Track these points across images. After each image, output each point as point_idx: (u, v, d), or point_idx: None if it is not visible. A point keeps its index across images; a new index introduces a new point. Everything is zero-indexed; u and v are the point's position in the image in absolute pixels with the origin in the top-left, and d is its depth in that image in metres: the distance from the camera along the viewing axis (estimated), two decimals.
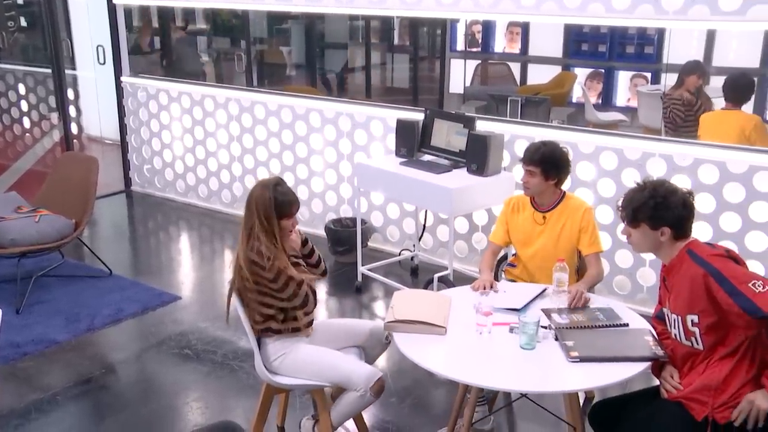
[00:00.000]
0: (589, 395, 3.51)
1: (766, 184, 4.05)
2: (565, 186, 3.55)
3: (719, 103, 4.91)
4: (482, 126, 4.64)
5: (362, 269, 4.92)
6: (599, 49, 7.44)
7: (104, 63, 7.09)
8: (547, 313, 2.93)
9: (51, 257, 5.09)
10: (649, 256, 4.37)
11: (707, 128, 4.93)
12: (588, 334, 2.78)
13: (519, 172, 3.44)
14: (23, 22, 8.13)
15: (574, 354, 2.60)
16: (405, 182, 4.48)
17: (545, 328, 2.80)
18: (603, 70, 7.41)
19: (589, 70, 7.49)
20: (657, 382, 2.64)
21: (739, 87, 4.81)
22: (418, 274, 5.16)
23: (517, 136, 4.76)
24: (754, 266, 4.05)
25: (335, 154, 5.67)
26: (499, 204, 3.63)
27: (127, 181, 7.13)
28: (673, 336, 2.60)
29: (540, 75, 7.61)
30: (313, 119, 5.72)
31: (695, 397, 2.45)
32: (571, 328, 2.80)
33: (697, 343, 2.49)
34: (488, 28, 7.98)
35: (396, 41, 8.94)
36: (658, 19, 4.19)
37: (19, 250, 4.56)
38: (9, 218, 4.72)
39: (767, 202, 4.06)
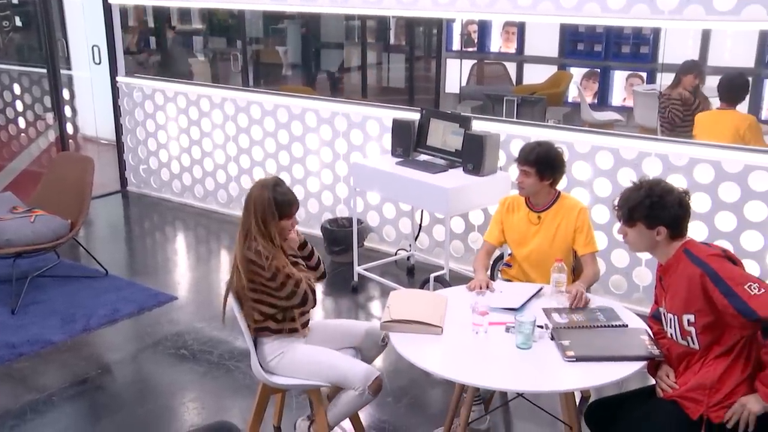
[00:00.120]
0: (585, 394, 3.52)
1: (761, 184, 4.06)
2: (561, 185, 3.56)
3: (716, 102, 4.93)
4: (478, 126, 4.65)
5: (358, 269, 4.92)
6: (595, 48, 7.47)
7: (100, 63, 7.08)
8: (547, 312, 2.94)
9: (46, 257, 5.07)
10: (645, 256, 4.38)
11: (702, 128, 4.94)
12: (584, 334, 2.78)
13: (515, 171, 3.44)
14: (18, 22, 8.11)
15: (570, 353, 2.61)
16: (401, 182, 4.49)
17: (541, 327, 2.80)
18: (599, 70, 7.44)
19: (584, 70, 7.52)
20: (653, 381, 2.64)
21: (734, 87, 4.83)
22: (414, 274, 5.16)
23: (513, 136, 4.77)
24: (750, 265, 4.06)
25: (331, 153, 5.67)
26: (495, 204, 3.63)
27: (123, 181, 7.12)
28: (669, 335, 2.60)
29: (536, 75, 7.63)
30: (309, 119, 5.72)
31: (690, 396, 2.46)
32: (570, 327, 2.81)
33: (693, 343, 2.49)
34: (484, 27, 8.00)
35: (392, 41, 8.95)
36: (654, 18, 4.20)
37: (14, 250, 4.55)
38: (4, 218, 4.71)
39: (762, 202, 4.07)
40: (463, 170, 4.44)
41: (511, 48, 7.92)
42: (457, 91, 7.80)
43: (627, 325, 2.85)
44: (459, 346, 2.76)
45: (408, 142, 4.74)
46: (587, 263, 3.35)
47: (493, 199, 3.91)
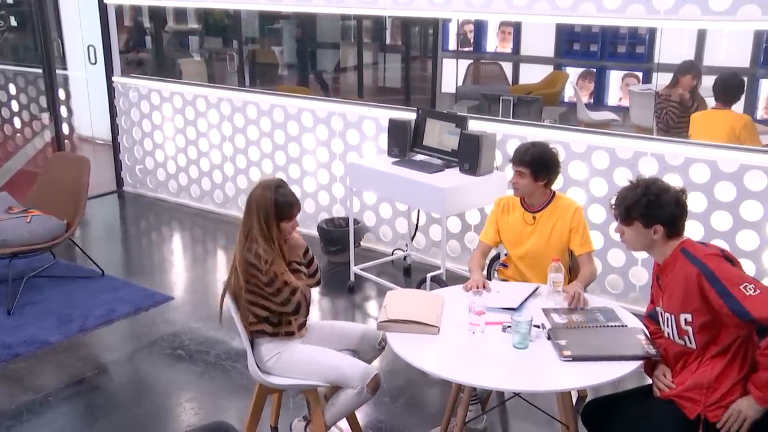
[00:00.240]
0: (581, 394, 3.53)
1: (757, 183, 4.07)
2: (557, 185, 3.56)
3: (712, 102, 4.94)
4: (474, 125, 4.65)
5: (355, 269, 4.92)
6: (591, 48, 7.47)
7: (95, 63, 7.07)
8: (547, 313, 2.94)
9: (42, 258, 5.06)
10: (641, 255, 4.39)
11: (698, 128, 4.95)
12: (581, 334, 2.78)
13: (511, 171, 3.45)
14: (13, 22, 8.08)
15: (567, 353, 2.61)
16: (397, 182, 4.49)
17: (538, 327, 2.81)
18: (595, 70, 7.44)
19: (580, 70, 7.53)
20: (649, 380, 2.65)
21: (729, 87, 4.84)
22: (410, 274, 5.17)
23: (509, 136, 4.77)
24: (745, 265, 4.07)
25: (327, 153, 5.67)
26: (492, 203, 3.64)
27: (119, 181, 7.11)
28: (666, 335, 2.61)
29: (532, 74, 7.64)
30: (306, 119, 5.72)
31: (687, 396, 2.46)
32: (568, 327, 2.81)
33: (690, 342, 2.50)
34: (480, 27, 8.00)
35: (388, 41, 8.95)
36: (650, 18, 4.20)
37: (10, 250, 4.54)
38: (0, 219, 4.70)
39: (758, 201, 4.09)
40: (460, 170, 4.44)
41: (507, 48, 7.92)
42: (454, 91, 7.81)
43: (626, 326, 2.86)
44: (456, 346, 2.76)
45: (404, 142, 4.74)
46: (584, 263, 3.36)
47: (490, 199, 3.92)
